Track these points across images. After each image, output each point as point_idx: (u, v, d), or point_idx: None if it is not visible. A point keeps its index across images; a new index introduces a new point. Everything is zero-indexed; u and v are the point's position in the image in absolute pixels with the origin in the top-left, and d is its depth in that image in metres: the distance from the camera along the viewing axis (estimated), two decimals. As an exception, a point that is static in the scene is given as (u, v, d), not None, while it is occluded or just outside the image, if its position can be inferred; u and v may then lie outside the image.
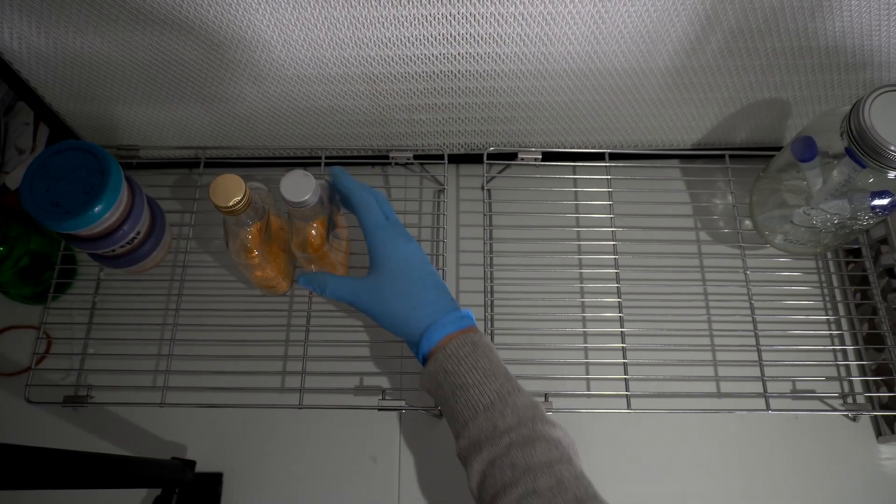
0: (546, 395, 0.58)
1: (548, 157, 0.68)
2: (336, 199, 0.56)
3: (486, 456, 0.43)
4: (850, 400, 0.64)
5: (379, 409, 0.58)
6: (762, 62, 0.59)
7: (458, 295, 0.67)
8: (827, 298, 0.67)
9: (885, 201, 0.53)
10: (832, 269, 0.69)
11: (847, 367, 0.65)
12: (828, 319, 0.66)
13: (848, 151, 0.51)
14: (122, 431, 0.63)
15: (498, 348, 0.62)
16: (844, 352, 0.65)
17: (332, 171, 0.54)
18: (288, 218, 0.55)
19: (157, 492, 0.56)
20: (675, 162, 0.73)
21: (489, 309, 0.62)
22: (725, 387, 0.63)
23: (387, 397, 0.59)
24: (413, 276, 0.50)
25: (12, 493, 0.38)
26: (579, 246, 0.68)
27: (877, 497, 0.61)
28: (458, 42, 0.56)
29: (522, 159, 0.67)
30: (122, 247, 0.58)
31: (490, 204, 0.69)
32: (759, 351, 0.61)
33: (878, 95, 0.50)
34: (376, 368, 0.64)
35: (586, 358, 0.64)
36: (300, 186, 0.50)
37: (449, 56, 0.57)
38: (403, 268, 0.50)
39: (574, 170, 0.70)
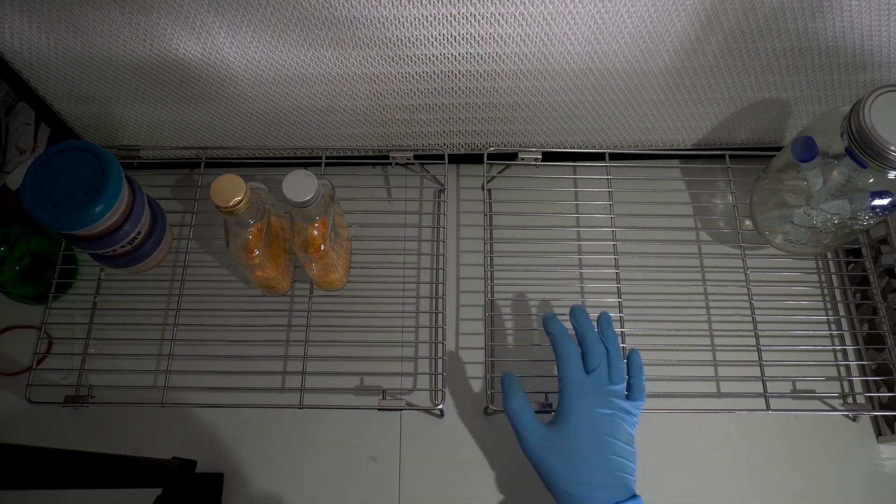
0: (546, 395, 0.58)
1: (548, 157, 0.68)
2: (337, 198, 0.56)
3: None
4: (850, 400, 0.64)
5: (379, 409, 0.58)
6: (762, 62, 0.59)
7: (459, 295, 0.68)
8: (827, 298, 0.67)
9: (885, 201, 0.53)
10: (832, 269, 0.69)
11: (847, 367, 0.65)
12: (828, 319, 0.66)
13: (848, 151, 0.51)
14: (122, 431, 0.63)
15: (498, 348, 0.62)
16: (844, 352, 0.65)
17: (545, 318, 0.54)
18: (289, 218, 0.55)
19: (158, 492, 0.56)
20: (675, 162, 0.74)
21: (489, 308, 0.62)
22: (725, 387, 0.63)
23: (387, 397, 0.59)
24: (593, 445, 0.47)
25: (12, 493, 0.38)
26: (579, 246, 0.68)
27: (877, 497, 0.61)
28: (458, 42, 0.56)
29: (523, 159, 0.68)
30: (123, 247, 0.58)
31: (490, 204, 0.69)
32: (759, 351, 0.61)
33: (878, 96, 0.50)
34: (376, 368, 0.64)
35: (586, 358, 0.64)
36: (302, 186, 0.50)
37: (449, 56, 0.57)
38: (586, 432, 0.48)
39: (574, 170, 0.70)
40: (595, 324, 0.54)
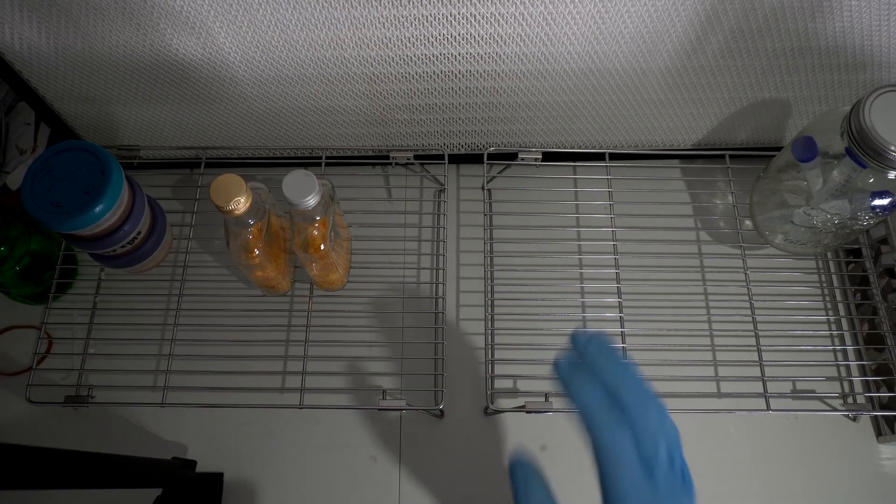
0: (546, 395, 0.58)
1: (548, 157, 0.68)
2: (337, 198, 0.56)
3: None
4: (850, 400, 0.64)
5: (379, 410, 0.58)
6: (762, 62, 0.59)
7: (459, 295, 0.68)
8: (827, 298, 0.67)
9: (885, 201, 0.53)
10: (832, 269, 0.69)
11: (847, 367, 0.65)
12: (828, 319, 0.66)
13: (848, 152, 0.51)
14: (122, 431, 0.63)
15: (498, 348, 0.62)
16: (844, 352, 0.65)
17: (559, 370, 0.36)
18: (289, 218, 0.55)
19: (158, 492, 0.56)
20: (675, 162, 0.73)
21: (489, 309, 0.62)
22: (725, 387, 0.63)
23: (387, 397, 0.59)
24: None
25: (12, 493, 0.38)
26: (579, 246, 0.68)
27: (877, 497, 0.61)
28: (459, 42, 0.56)
29: (523, 159, 0.68)
30: (123, 247, 0.58)
31: (490, 204, 0.69)
32: (759, 351, 0.61)
33: (878, 96, 0.50)
34: (376, 368, 0.64)
35: (586, 358, 0.64)
36: (302, 186, 0.50)
37: (449, 56, 0.57)
38: None
39: (574, 170, 0.70)
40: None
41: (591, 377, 0.34)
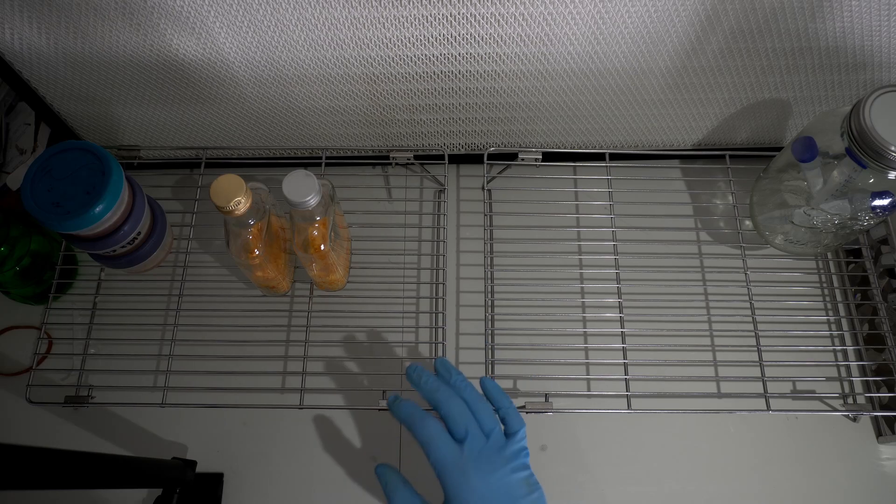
0: (546, 396, 0.58)
1: (548, 157, 0.68)
2: (337, 198, 0.55)
3: None
4: (850, 400, 0.64)
5: (379, 410, 0.58)
6: (762, 62, 0.59)
7: (459, 296, 0.68)
8: (827, 299, 0.67)
9: (885, 202, 0.53)
10: (832, 270, 0.69)
11: (847, 367, 0.65)
12: (828, 319, 0.66)
13: (848, 152, 0.51)
14: (122, 431, 0.63)
15: (498, 348, 0.62)
16: (845, 352, 0.65)
17: (389, 404, 0.48)
18: (289, 218, 0.55)
19: (158, 492, 0.56)
20: (676, 162, 0.74)
21: (489, 309, 0.62)
22: (726, 387, 0.63)
23: (387, 397, 0.59)
24: None
25: (12, 493, 0.38)
26: (579, 246, 0.68)
27: (877, 497, 0.61)
28: (459, 43, 0.56)
29: (523, 159, 0.67)
30: (123, 247, 0.58)
31: (490, 204, 0.69)
32: (759, 351, 0.61)
33: (878, 96, 0.50)
34: (376, 368, 0.64)
35: (586, 358, 0.64)
36: (302, 186, 0.50)
37: (449, 56, 0.57)
38: None
39: (574, 170, 0.70)
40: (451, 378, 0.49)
41: (412, 401, 0.48)
